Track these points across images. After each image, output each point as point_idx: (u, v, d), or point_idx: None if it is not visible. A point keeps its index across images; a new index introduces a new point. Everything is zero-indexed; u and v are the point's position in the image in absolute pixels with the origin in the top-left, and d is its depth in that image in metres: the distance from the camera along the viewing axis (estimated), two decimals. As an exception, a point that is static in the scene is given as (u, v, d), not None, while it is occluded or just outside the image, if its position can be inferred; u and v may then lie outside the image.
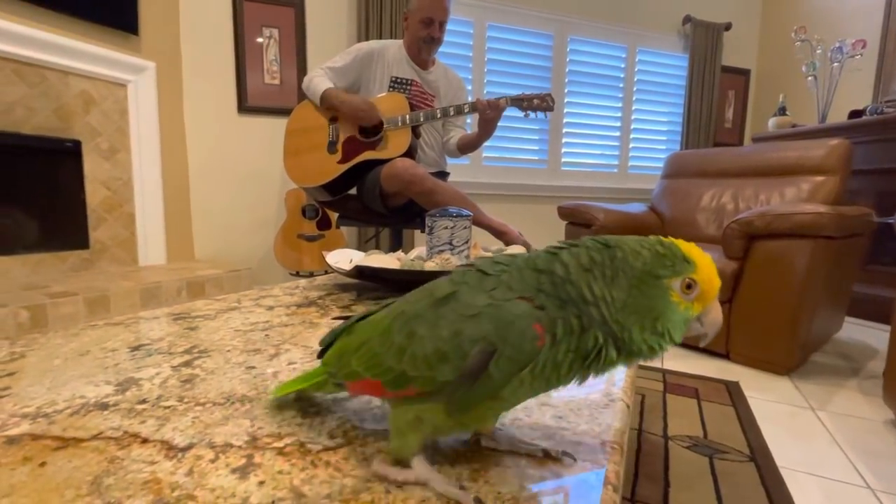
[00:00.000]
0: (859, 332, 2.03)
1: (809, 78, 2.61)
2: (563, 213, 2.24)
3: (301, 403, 0.37)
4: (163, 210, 2.25)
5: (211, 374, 0.43)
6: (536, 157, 3.07)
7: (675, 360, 1.63)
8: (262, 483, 0.27)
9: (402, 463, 0.27)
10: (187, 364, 0.45)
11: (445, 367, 0.25)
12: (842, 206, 1.73)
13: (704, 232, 2.13)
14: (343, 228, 2.48)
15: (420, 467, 0.27)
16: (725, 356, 1.65)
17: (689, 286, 0.25)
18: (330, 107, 1.57)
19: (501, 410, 0.30)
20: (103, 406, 0.36)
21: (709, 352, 1.70)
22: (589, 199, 3.01)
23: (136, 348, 0.49)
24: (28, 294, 1.57)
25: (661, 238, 0.27)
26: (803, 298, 1.44)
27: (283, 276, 2.57)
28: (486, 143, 2.86)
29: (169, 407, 0.36)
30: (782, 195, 1.93)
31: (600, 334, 0.25)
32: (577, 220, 2.17)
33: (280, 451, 0.30)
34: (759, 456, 1.02)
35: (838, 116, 2.58)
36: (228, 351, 0.49)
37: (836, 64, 2.51)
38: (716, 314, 0.27)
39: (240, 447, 0.30)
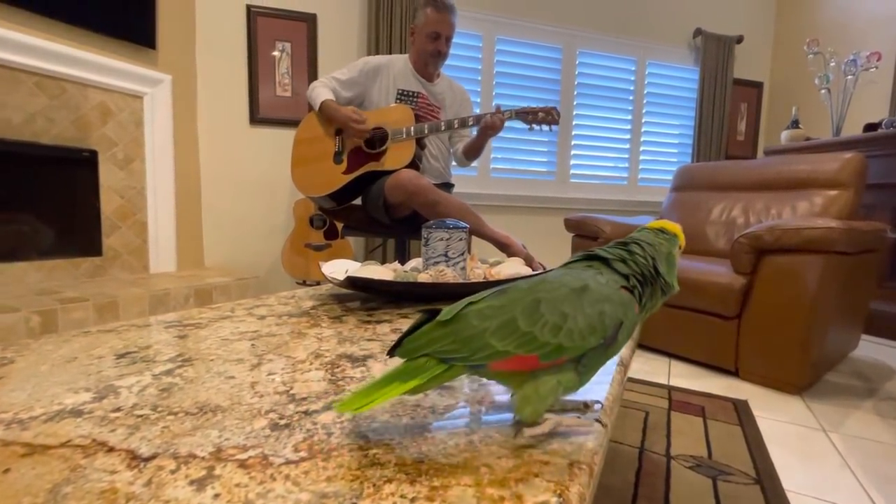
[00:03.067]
0: (877, 350, 1.96)
1: (823, 90, 2.57)
2: (570, 225, 2.22)
3: (272, 415, 0.37)
4: (174, 218, 2.30)
5: (190, 383, 0.43)
6: (545, 169, 3.06)
7: (682, 378, 1.59)
8: (217, 496, 0.26)
9: (533, 424, 0.35)
10: (169, 373, 0.45)
11: (593, 337, 0.34)
12: (856, 220, 1.69)
13: (714, 245, 2.09)
14: (350, 238, 2.50)
15: (552, 417, 0.36)
16: (734, 373, 1.61)
17: (679, 247, 0.43)
18: (327, 118, 1.61)
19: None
20: (78, 413, 0.36)
21: (717, 369, 1.66)
22: (598, 211, 2.99)
23: (123, 356, 0.50)
24: (40, 299, 1.61)
25: (660, 226, 0.43)
26: (815, 315, 1.40)
27: (290, 285, 2.60)
28: (495, 155, 2.89)
29: (142, 416, 0.36)
30: (794, 209, 1.89)
31: (660, 293, 0.40)
32: (583, 232, 2.16)
33: (242, 464, 0.30)
34: (766, 478, 0.98)
35: (853, 129, 2.54)
36: (212, 360, 0.49)
37: (850, 77, 2.47)
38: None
39: (203, 458, 0.30)
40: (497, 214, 2.90)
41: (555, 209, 3.03)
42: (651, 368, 1.67)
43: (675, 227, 0.43)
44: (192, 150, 2.41)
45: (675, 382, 1.54)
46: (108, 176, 2.06)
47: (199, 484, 0.27)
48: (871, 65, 2.44)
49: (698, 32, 3.18)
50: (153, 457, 0.30)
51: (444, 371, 0.34)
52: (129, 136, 2.13)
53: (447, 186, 1.82)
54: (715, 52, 3.19)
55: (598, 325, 0.34)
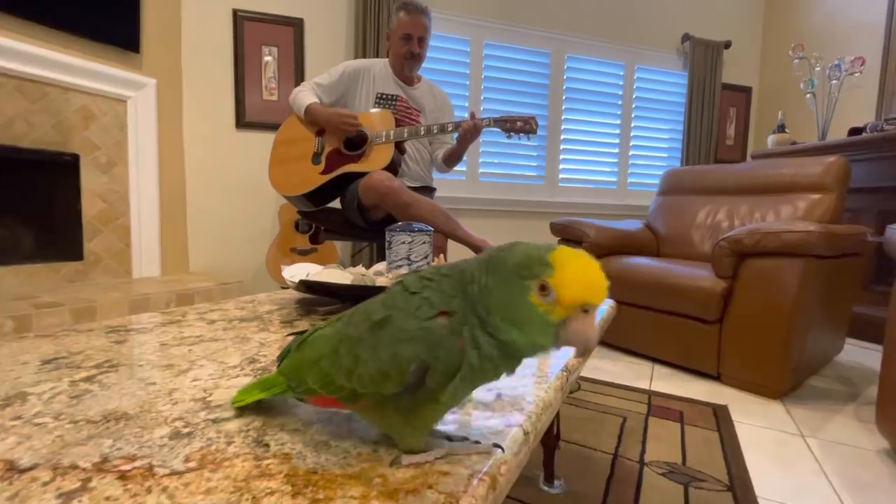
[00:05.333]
0: (861, 354, 1.95)
1: (808, 95, 2.58)
2: (555, 229, 2.21)
3: (178, 423, 0.35)
4: (158, 223, 2.29)
5: (106, 389, 0.41)
6: (534, 174, 3.06)
7: (664, 382, 1.58)
8: (81, 510, 0.25)
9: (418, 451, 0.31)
10: (89, 379, 0.44)
11: (389, 384, 0.28)
12: (839, 224, 1.68)
13: (699, 249, 2.08)
14: (336, 243, 2.48)
15: (437, 447, 0.31)
16: (717, 378, 1.60)
17: (542, 288, 0.26)
18: (313, 121, 1.60)
19: (448, 409, 0.32)
20: (-27, 422, 0.35)
21: (699, 373, 1.64)
22: (587, 215, 2.98)
23: (49, 361, 0.48)
24: (15, 304, 1.59)
25: (551, 244, 0.28)
26: (795, 319, 1.39)
27: (275, 289, 2.57)
28: (483, 160, 2.89)
29: (40, 424, 0.35)
30: (777, 213, 1.89)
31: (496, 350, 0.28)
32: (568, 236, 2.15)
33: (123, 475, 0.28)
34: (738, 486, 0.97)
35: (839, 134, 2.54)
36: (140, 365, 0.48)
37: (834, 81, 2.48)
38: (577, 325, 0.26)
39: (84, 469, 0.29)
40: (485, 218, 2.89)
41: (544, 213, 3.02)
42: (633, 373, 1.66)
43: (559, 254, 0.26)
44: (177, 154, 2.40)
45: (656, 387, 1.53)
46: (90, 180, 2.05)
47: (67, 497, 0.26)
48: (856, 70, 2.44)
49: (686, 38, 3.19)
50: (32, 468, 0.29)
51: (282, 391, 0.35)
52: (113, 140, 2.12)
53: (428, 190, 1.81)
54: (703, 57, 3.20)
55: (393, 371, 0.28)
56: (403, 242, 0.84)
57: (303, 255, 2.41)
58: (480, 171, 2.92)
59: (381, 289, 0.76)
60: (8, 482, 0.27)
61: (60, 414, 0.36)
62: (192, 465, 0.30)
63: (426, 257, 0.86)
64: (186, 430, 0.34)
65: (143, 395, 0.41)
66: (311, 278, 0.76)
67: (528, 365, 0.52)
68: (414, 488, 0.28)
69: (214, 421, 0.36)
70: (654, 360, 1.80)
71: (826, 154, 2.14)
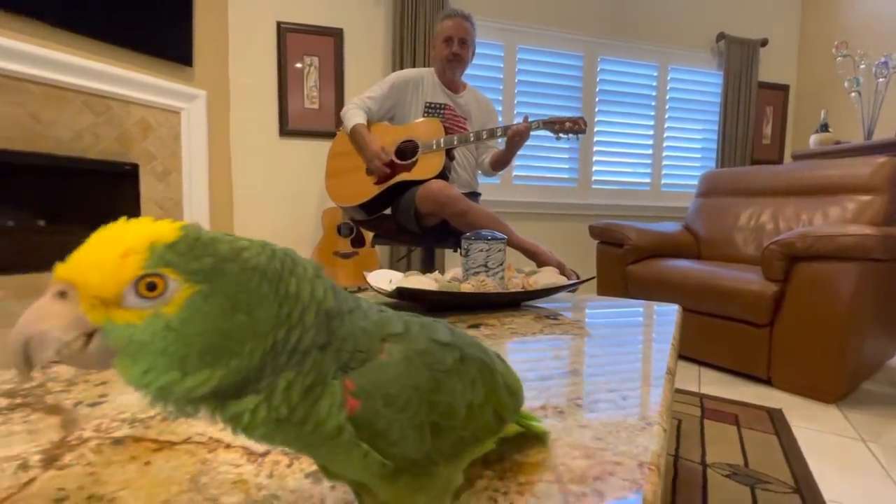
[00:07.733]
0: (915, 359, 1.91)
1: (853, 94, 2.53)
2: (595, 232, 2.23)
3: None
4: (209, 228, 2.39)
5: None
6: (567, 176, 3.08)
7: (713, 386, 1.58)
8: (333, 487, 0.30)
9: None
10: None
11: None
12: (891, 226, 1.66)
13: (743, 252, 2.07)
14: (377, 247, 2.55)
15: None
16: (767, 382, 1.59)
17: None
18: (353, 143, 1.66)
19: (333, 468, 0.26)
20: (187, 414, 0.40)
21: (749, 377, 1.65)
22: (621, 217, 2.98)
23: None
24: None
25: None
26: (850, 324, 1.39)
27: (317, 292, 2.66)
28: (517, 163, 2.92)
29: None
30: (825, 215, 1.87)
31: None
32: (608, 239, 2.16)
33: (345, 460, 0.33)
34: (805, 487, 0.98)
35: (886, 133, 2.48)
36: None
37: (881, 79, 2.43)
38: None
39: (309, 455, 0.34)
40: (519, 221, 2.91)
41: (577, 216, 3.03)
42: (680, 376, 1.67)
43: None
44: (225, 161, 2.51)
45: (705, 390, 1.54)
46: (148, 188, 2.16)
47: (315, 477, 0.31)
48: (904, 67, 2.39)
49: (721, 36, 3.16)
50: (267, 452, 0.34)
51: None
52: (168, 150, 2.23)
53: (474, 196, 1.86)
54: (739, 55, 3.16)
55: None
56: (481, 250, 0.88)
57: (345, 258, 2.49)
58: (514, 174, 2.95)
59: (468, 295, 0.80)
60: (257, 464, 0.33)
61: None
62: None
63: (501, 264, 0.90)
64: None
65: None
66: (399, 285, 0.81)
67: (631, 368, 0.56)
68: (598, 475, 0.32)
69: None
70: (700, 362, 1.81)
71: (874, 154, 2.11)
